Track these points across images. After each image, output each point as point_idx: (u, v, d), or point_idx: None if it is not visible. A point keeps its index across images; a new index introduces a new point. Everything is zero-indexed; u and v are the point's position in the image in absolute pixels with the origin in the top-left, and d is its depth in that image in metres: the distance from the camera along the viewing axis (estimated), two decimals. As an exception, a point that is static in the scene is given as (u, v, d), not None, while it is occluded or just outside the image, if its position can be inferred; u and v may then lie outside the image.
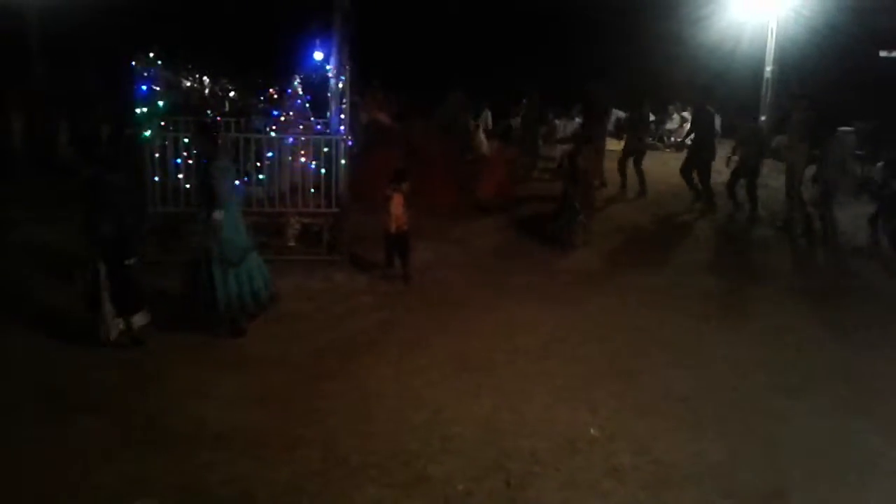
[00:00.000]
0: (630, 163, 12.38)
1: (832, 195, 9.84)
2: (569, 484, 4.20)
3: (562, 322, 6.75)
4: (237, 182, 6.31)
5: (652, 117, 18.53)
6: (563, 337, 6.38)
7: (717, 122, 14.21)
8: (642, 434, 4.76)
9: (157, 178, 8.31)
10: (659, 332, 6.55)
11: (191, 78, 11.82)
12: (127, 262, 5.81)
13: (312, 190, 8.63)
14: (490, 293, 7.50)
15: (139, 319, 5.87)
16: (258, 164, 8.74)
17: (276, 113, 9.64)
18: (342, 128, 8.80)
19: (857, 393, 5.46)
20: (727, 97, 16.21)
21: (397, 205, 7.69)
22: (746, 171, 11.24)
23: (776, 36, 16.02)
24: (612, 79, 15.57)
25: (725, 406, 5.19)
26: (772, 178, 12.78)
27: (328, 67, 9.23)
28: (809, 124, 10.43)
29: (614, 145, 14.18)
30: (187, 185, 8.44)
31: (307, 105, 9.78)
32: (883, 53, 16.41)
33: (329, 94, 9.13)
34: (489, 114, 17.45)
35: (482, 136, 14.01)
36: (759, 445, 4.67)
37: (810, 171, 10.38)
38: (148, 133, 8.40)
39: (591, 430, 4.79)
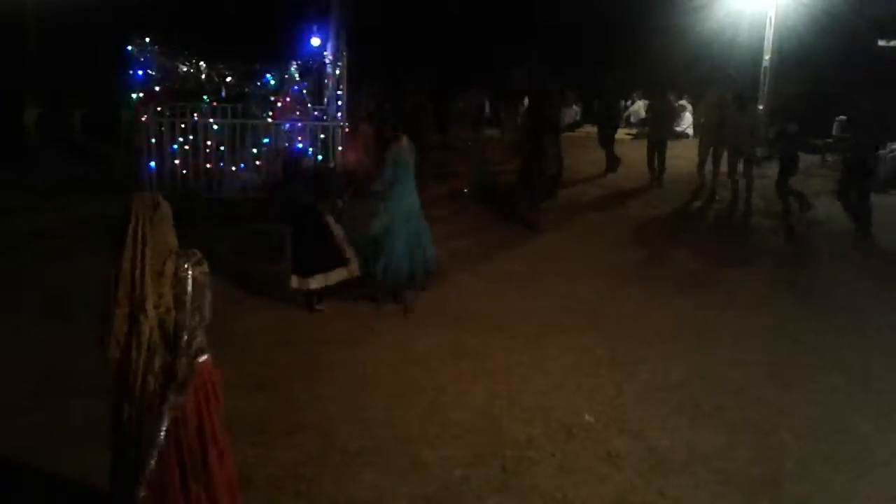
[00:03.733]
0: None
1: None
2: (564, 469, 4.23)
3: (559, 310, 6.77)
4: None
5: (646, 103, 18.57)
6: (560, 324, 6.40)
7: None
8: (638, 421, 4.79)
9: (153, 164, 8.30)
10: (656, 321, 6.57)
11: (187, 63, 11.72)
12: None
13: (309, 176, 8.62)
14: (488, 281, 7.51)
15: None
16: (255, 149, 8.74)
17: (277, 105, 9.62)
18: (339, 114, 8.79)
19: (853, 383, 5.49)
20: (726, 86, 16.18)
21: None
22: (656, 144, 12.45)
23: (775, 25, 15.99)
24: (612, 68, 15.63)
25: (721, 394, 5.21)
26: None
27: (325, 53, 9.21)
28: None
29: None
30: (184, 171, 8.44)
31: (304, 91, 9.76)
32: (882, 43, 16.37)
33: (326, 81, 9.11)
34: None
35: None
36: (754, 433, 4.70)
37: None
38: (144, 118, 8.38)
39: (587, 417, 4.82)
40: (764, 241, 9.69)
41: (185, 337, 2.87)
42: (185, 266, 2.88)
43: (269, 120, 9.13)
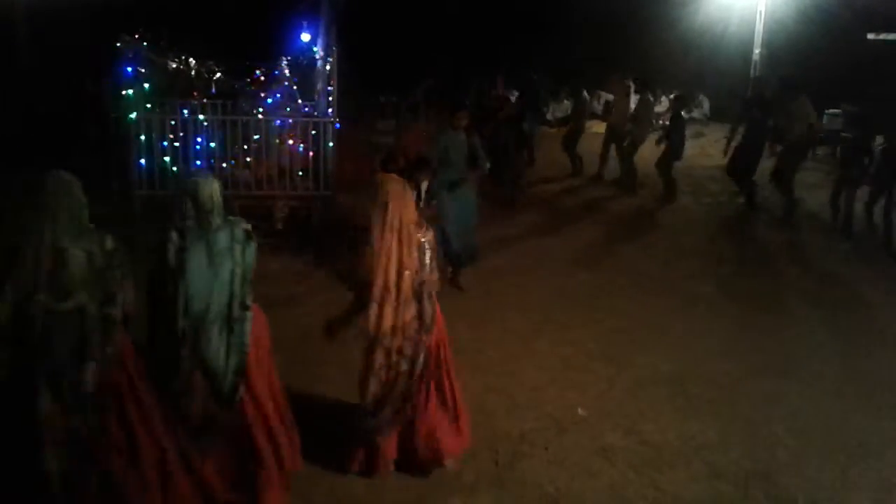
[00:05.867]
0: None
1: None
2: (557, 463, 4.23)
3: (551, 304, 6.77)
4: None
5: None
6: (552, 319, 6.40)
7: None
8: (631, 414, 4.79)
9: (143, 162, 8.24)
10: (649, 316, 6.57)
11: (177, 59, 11.62)
12: None
13: (300, 173, 8.59)
14: (479, 275, 7.49)
15: None
16: (245, 146, 8.68)
17: (267, 101, 9.55)
18: (330, 110, 8.74)
19: (844, 375, 5.52)
20: (716, 79, 16.27)
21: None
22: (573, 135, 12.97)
23: (764, 18, 16.04)
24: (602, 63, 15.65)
25: (714, 388, 5.22)
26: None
27: (315, 49, 9.16)
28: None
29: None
30: (174, 168, 8.39)
31: (294, 87, 9.70)
32: (871, 36, 16.42)
33: (316, 76, 9.06)
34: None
35: None
36: (747, 426, 4.71)
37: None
38: (133, 115, 8.31)
39: (580, 411, 4.82)
40: (748, 237, 9.72)
41: (428, 290, 3.72)
42: (421, 235, 3.71)
43: (260, 117, 9.06)
